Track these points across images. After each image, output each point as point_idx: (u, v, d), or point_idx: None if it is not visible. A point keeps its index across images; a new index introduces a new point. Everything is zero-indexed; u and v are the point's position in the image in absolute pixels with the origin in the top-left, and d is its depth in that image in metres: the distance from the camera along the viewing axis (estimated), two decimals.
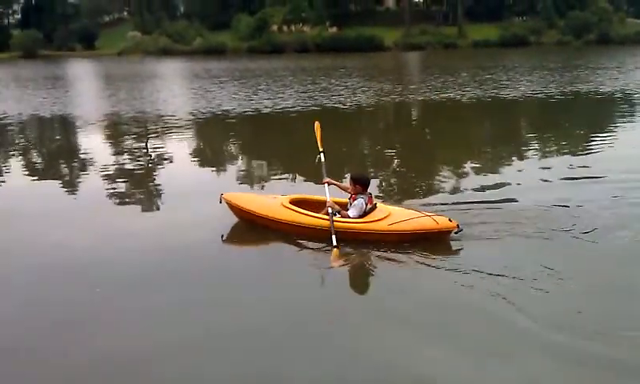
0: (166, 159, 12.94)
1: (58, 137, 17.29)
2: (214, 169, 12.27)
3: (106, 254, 7.10)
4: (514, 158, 12.19)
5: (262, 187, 10.12)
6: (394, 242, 6.95)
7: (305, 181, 10.29)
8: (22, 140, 16.30)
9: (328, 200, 7.32)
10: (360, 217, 7.13)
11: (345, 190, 7.60)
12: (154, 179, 11.08)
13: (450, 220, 7.02)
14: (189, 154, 13.66)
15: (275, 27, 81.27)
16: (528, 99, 22.02)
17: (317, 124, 8.28)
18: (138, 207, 9.32)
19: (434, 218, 7.07)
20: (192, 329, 5.35)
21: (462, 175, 10.82)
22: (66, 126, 18.67)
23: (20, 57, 79.16)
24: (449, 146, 14.01)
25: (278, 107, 20.56)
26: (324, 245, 6.93)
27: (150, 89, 29.13)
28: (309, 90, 25.64)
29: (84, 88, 32.57)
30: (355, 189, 7.27)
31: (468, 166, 11.48)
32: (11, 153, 14.10)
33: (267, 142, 15.12)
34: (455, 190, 9.55)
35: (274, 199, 7.73)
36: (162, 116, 19.12)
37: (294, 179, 10.71)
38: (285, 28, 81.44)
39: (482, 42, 78.48)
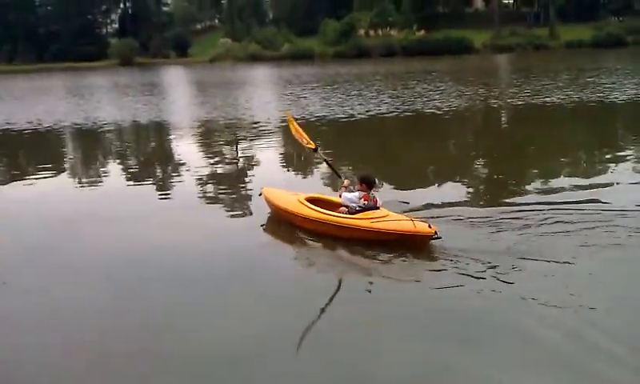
0: (256, 164, 13.17)
1: (153, 143, 17.70)
2: (303, 175, 12.11)
3: (197, 252, 7.36)
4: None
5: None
6: (374, 240, 7.14)
7: (394, 189, 9.95)
8: (121, 145, 16.81)
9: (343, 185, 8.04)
10: (355, 212, 7.50)
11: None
12: (244, 182, 11.28)
13: (429, 226, 7.01)
14: (280, 160, 13.62)
15: (362, 32, 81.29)
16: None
17: (288, 115, 9.12)
18: (229, 209, 9.48)
19: (414, 223, 7.06)
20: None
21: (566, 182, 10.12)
22: (162, 132, 19.13)
23: (117, 64, 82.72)
24: (556, 152, 13.33)
25: (372, 113, 20.25)
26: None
27: (243, 95, 29.53)
28: (402, 95, 25.15)
29: (179, 95, 33.35)
30: (361, 187, 7.68)
31: (574, 173, 10.90)
32: (110, 157, 14.86)
33: (360, 149, 14.79)
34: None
35: (295, 196, 8.29)
36: (256, 122, 19.23)
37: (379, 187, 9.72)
38: (371, 32, 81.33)
39: (574, 42, 75.57)
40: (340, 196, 7.88)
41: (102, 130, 19.16)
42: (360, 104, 22.63)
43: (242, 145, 15.84)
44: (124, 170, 13.35)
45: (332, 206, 7.98)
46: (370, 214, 7.40)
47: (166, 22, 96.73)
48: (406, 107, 21.35)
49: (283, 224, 8.22)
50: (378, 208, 7.55)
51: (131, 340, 5.34)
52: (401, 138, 16.25)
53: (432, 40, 77.58)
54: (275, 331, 5.34)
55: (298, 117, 19.67)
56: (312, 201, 8.12)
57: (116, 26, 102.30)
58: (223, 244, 7.67)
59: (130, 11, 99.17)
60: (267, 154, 14.07)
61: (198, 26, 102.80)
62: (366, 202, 7.54)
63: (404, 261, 6.71)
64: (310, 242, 7.59)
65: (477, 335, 5.09)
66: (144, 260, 7.22)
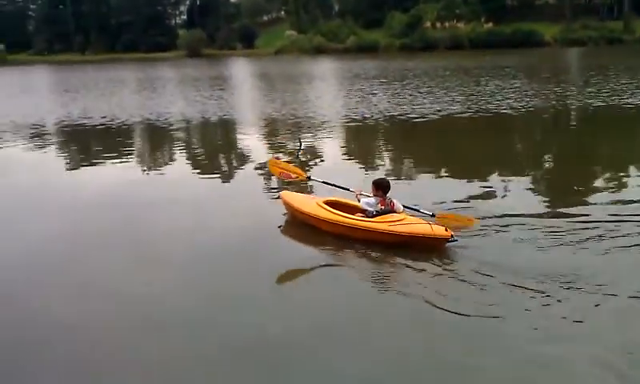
0: (323, 162, 13.11)
1: (220, 141, 17.52)
2: (363, 175, 11.62)
3: (258, 239, 7.98)
4: None
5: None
6: (392, 243, 7.35)
7: (466, 197, 9.50)
8: (189, 141, 16.93)
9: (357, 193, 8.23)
10: (372, 217, 7.71)
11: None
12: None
13: (445, 229, 7.26)
14: (347, 159, 13.49)
15: (428, 24, 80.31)
16: None
17: (270, 164, 9.20)
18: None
19: (432, 226, 7.31)
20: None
21: None
22: (230, 129, 19.13)
23: (185, 55, 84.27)
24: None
25: (444, 112, 19.69)
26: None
27: (312, 91, 29.48)
28: (474, 93, 24.57)
29: (247, 89, 33.50)
30: (377, 192, 7.89)
31: None
32: (177, 153, 15.30)
33: (432, 152, 14.33)
34: None
35: (314, 199, 8.54)
36: (325, 121, 19.17)
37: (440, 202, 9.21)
38: (438, 25, 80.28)
39: None
40: (358, 201, 8.07)
41: (172, 126, 19.37)
42: (431, 102, 22.14)
43: (308, 143, 15.72)
44: (190, 164, 13.81)
45: (350, 209, 8.19)
46: (388, 217, 7.61)
47: (234, 14, 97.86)
48: (479, 106, 20.76)
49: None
50: (395, 211, 7.73)
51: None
52: (474, 141, 15.65)
53: (500, 33, 75.95)
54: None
55: (368, 116, 19.51)
56: (331, 204, 8.32)
57: (184, 17, 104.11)
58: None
59: (198, 2, 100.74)
60: (331, 153, 14.01)
61: (265, 18, 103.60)
62: (382, 207, 7.75)
63: (439, 275, 6.57)
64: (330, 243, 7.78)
65: None
66: (204, 243, 7.93)
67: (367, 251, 7.34)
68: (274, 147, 15.24)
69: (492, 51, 61.61)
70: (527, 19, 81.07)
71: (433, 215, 7.81)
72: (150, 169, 13.72)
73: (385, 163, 13.05)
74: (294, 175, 8.82)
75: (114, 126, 19.65)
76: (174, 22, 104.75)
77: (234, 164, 14.01)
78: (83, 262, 7.54)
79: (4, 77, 57.78)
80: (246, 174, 12.35)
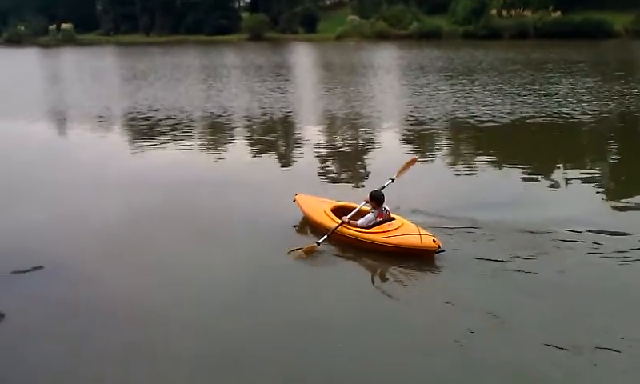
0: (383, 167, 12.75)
1: (281, 138, 17.30)
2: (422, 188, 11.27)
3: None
4: None
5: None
6: (385, 251, 8.13)
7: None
8: (251, 135, 17.01)
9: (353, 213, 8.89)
10: (369, 227, 8.45)
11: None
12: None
13: (434, 240, 7.86)
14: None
15: (494, 11, 78.50)
16: None
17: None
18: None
19: (421, 237, 7.89)
20: None
21: None
22: (291, 126, 19.33)
23: (247, 39, 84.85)
24: None
25: (515, 116, 19.11)
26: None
27: (376, 85, 29.32)
28: (547, 93, 23.72)
29: (310, 82, 33.28)
30: (372, 204, 8.73)
31: None
32: (240, 145, 16.16)
33: (499, 165, 13.73)
34: None
35: (323, 204, 9.42)
36: (390, 122, 19.11)
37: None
38: (504, 12, 78.37)
39: None
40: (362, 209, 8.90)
41: (236, 122, 19.64)
42: (501, 103, 21.60)
43: (372, 145, 15.77)
44: (248, 156, 14.67)
45: (358, 214, 8.88)
46: (384, 226, 8.40)
47: None
48: (553, 109, 20.06)
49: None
50: (393, 219, 8.53)
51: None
52: (546, 155, 14.86)
53: (568, 22, 73.47)
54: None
55: (435, 117, 19.21)
56: (338, 209, 9.19)
57: (248, 0, 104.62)
58: None
59: None
60: (392, 159, 13.71)
61: (327, 2, 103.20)
62: (380, 218, 8.57)
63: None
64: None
65: None
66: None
67: (364, 257, 8.30)
68: (338, 154, 15.29)
69: (559, 42, 59.77)
70: (597, 7, 78.22)
71: (392, 180, 9.34)
72: (209, 160, 14.76)
73: (443, 177, 12.65)
74: (310, 251, 8.32)
75: (178, 119, 20.04)
76: (237, 5, 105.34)
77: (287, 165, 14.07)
78: (151, 240, 9.13)
79: (73, 58, 59.56)
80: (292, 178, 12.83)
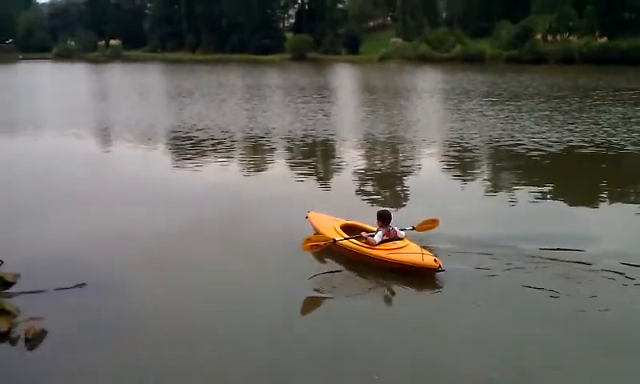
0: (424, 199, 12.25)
1: (315, 156, 17.15)
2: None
3: None
4: None
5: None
6: (389, 268, 8.49)
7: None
8: (292, 157, 16.88)
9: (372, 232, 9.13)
10: (379, 244, 8.82)
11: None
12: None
13: (435, 260, 8.23)
14: (448, 196, 12.58)
15: (539, 36, 77.65)
16: None
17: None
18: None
19: (423, 257, 8.27)
20: None
21: None
22: (330, 146, 19.24)
23: (290, 59, 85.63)
24: None
25: (561, 145, 18.42)
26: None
27: (420, 108, 29.14)
28: (597, 122, 22.97)
29: (353, 104, 33.18)
30: (380, 223, 9.13)
31: None
32: (282, 166, 15.36)
33: (547, 196, 13.42)
34: None
35: (334, 222, 9.79)
36: (432, 148, 18.90)
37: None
38: (549, 37, 77.45)
39: None
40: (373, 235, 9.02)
41: (277, 143, 19.72)
42: (548, 130, 21.11)
43: (415, 172, 15.57)
44: (288, 175, 14.38)
45: (365, 232, 9.23)
46: (390, 245, 8.81)
47: (340, 19, 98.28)
48: (602, 138, 19.49)
49: None
50: (400, 239, 8.94)
51: None
52: (596, 184, 14.53)
53: (615, 48, 72.17)
54: None
55: (480, 144, 18.88)
56: (347, 227, 9.58)
57: (292, 20, 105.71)
58: None
59: (306, 7, 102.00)
60: (434, 188, 13.63)
61: (370, 24, 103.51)
62: (387, 237, 8.93)
63: None
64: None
65: None
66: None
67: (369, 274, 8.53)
68: (378, 178, 15.16)
69: (605, 68, 58.64)
70: None
71: (413, 228, 9.58)
72: (250, 179, 15.04)
73: (486, 205, 12.44)
74: (322, 243, 8.96)
75: (222, 138, 20.24)
76: (282, 25, 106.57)
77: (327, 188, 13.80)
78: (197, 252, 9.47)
79: (120, 74, 60.87)
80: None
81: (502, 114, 25.74)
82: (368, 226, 9.39)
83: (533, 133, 20.81)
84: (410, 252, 8.59)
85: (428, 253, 8.43)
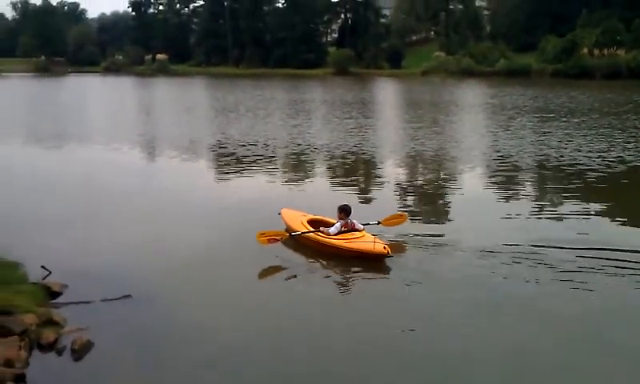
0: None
1: (359, 171, 17.12)
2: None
3: None
4: None
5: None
6: (346, 255, 9.63)
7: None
8: (331, 170, 16.80)
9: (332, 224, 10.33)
10: (337, 234, 9.95)
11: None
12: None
13: (384, 247, 9.34)
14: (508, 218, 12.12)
15: (585, 50, 76.35)
16: None
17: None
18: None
19: (374, 245, 9.37)
20: None
21: None
22: (373, 162, 19.29)
23: (332, 73, 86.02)
24: None
25: (627, 164, 17.56)
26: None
27: (468, 124, 28.76)
28: None
29: (398, 121, 32.29)
30: (340, 215, 10.25)
31: None
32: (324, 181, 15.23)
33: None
34: None
35: (302, 217, 10.86)
36: (481, 164, 18.65)
37: None
38: (596, 51, 76.09)
39: None
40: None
41: (326, 158, 19.82)
42: (607, 148, 20.17)
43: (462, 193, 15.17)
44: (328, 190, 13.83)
45: (329, 225, 10.34)
46: (348, 235, 9.95)
47: (383, 34, 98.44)
48: None
49: None
50: (357, 230, 10.06)
51: None
52: None
53: None
54: None
55: (535, 162, 18.23)
56: (313, 221, 10.69)
57: (335, 35, 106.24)
58: None
59: (349, 22, 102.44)
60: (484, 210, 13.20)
61: (413, 38, 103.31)
62: (345, 228, 10.07)
63: None
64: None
65: None
66: None
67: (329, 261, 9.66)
68: (426, 197, 15.10)
69: None
70: None
71: (379, 223, 10.74)
72: (292, 193, 14.91)
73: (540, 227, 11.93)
74: (279, 237, 10.06)
75: (265, 153, 20.39)
76: (325, 39, 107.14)
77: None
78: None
79: (166, 88, 62.07)
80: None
81: (559, 132, 24.70)
82: (332, 220, 10.44)
83: (591, 151, 19.99)
84: (364, 241, 9.64)
85: (380, 242, 9.49)
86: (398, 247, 10.04)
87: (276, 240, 9.96)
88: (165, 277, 9.08)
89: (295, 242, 10.36)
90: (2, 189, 15.14)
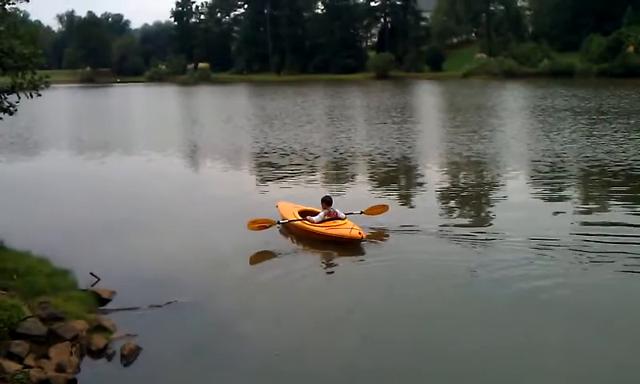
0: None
1: (401, 175, 17.01)
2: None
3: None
4: None
5: None
6: (327, 240, 10.79)
7: None
8: (372, 175, 16.85)
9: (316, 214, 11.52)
10: (320, 223, 11.07)
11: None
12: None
13: (359, 233, 10.56)
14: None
15: (631, 48, 74.55)
16: None
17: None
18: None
19: (351, 231, 10.61)
20: None
21: None
22: (416, 166, 19.21)
23: (373, 77, 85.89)
24: None
25: None
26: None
27: (514, 127, 28.01)
28: None
29: (443, 128, 30.71)
30: (323, 205, 11.38)
31: None
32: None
33: None
34: None
35: (295, 208, 12.01)
36: (540, 171, 18.37)
37: None
38: None
39: None
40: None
41: (368, 162, 19.88)
42: None
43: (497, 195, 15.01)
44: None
45: (316, 215, 11.43)
46: (330, 223, 11.03)
47: (423, 37, 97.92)
48: None
49: None
50: (340, 218, 11.13)
51: None
52: None
53: None
54: None
55: (596, 168, 17.63)
56: (303, 211, 11.85)
57: (375, 39, 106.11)
58: None
59: (389, 26, 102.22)
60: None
61: (454, 40, 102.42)
62: (328, 217, 11.15)
63: None
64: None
65: None
66: None
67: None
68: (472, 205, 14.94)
69: None
70: None
71: (361, 212, 11.78)
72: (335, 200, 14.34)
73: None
74: (267, 225, 11.11)
75: (306, 159, 20.54)
76: (364, 44, 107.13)
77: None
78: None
79: (208, 96, 62.81)
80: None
81: (618, 134, 23.76)
82: (318, 210, 11.55)
83: None
84: (343, 227, 10.79)
85: (357, 228, 10.71)
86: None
87: (265, 227, 11.05)
88: (209, 284, 9.23)
89: (285, 229, 11.60)
90: (53, 197, 15.58)
